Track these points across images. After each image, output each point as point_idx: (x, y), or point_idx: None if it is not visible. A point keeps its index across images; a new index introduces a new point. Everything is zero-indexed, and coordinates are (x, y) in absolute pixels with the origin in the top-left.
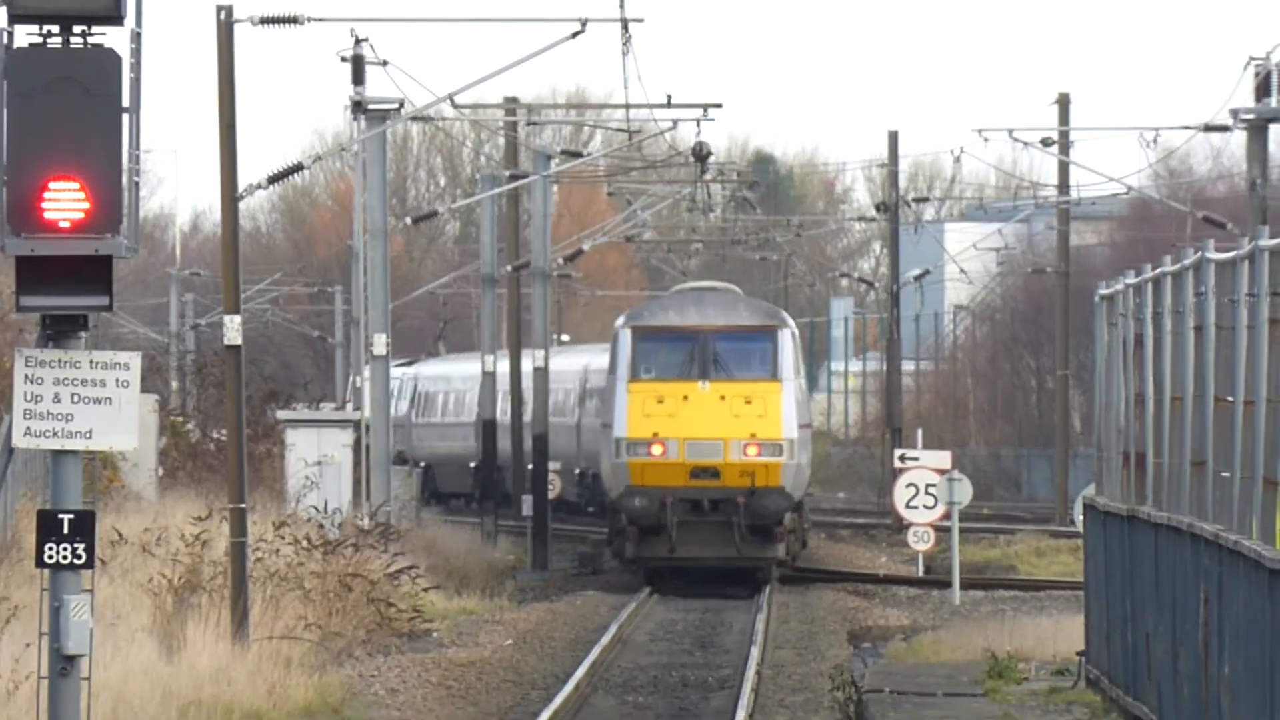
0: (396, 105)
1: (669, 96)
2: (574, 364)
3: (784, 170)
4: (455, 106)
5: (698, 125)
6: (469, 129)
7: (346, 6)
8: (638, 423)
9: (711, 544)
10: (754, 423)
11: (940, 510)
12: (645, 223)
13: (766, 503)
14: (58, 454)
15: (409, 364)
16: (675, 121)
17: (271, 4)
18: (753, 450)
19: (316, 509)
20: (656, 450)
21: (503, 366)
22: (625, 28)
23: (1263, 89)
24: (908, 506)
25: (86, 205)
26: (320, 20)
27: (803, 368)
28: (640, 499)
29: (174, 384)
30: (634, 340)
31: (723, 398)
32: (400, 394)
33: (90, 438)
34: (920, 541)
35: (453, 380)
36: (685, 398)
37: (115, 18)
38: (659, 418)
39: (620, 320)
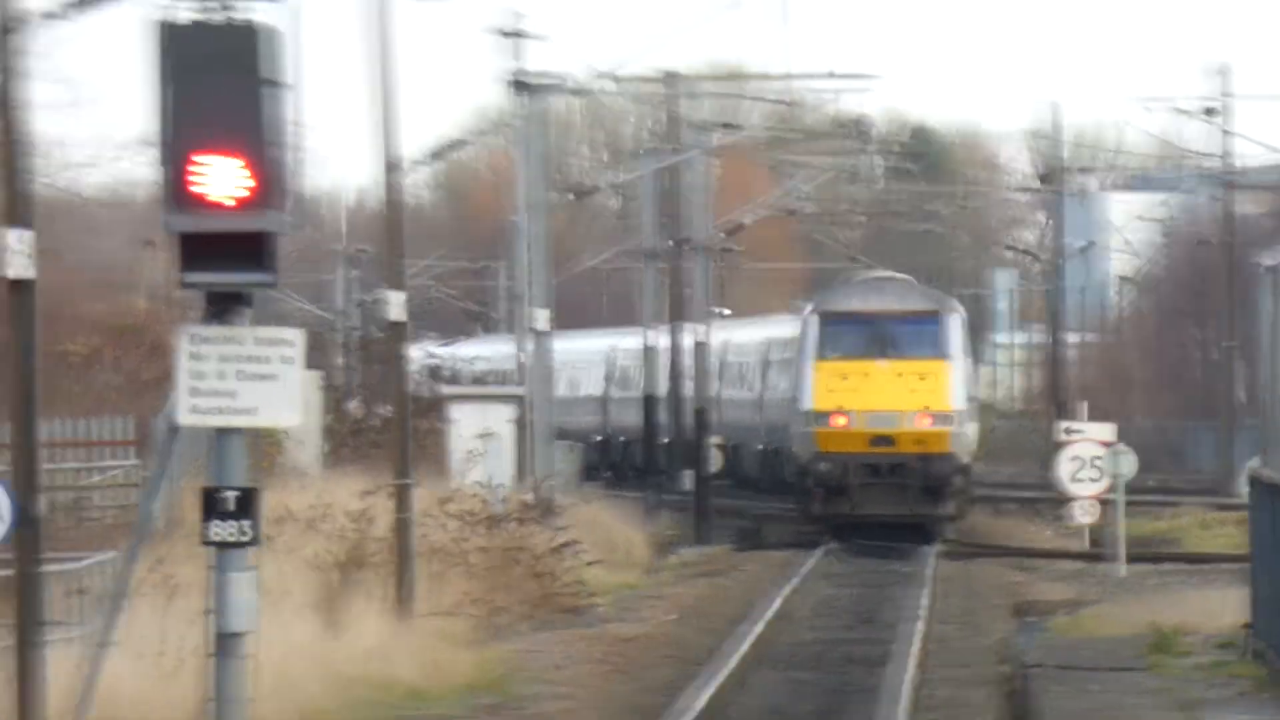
0: (557, 80)
1: (830, 70)
2: (755, 336)
3: (945, 141)
4: (617, 80)
5: (858, 97)
6: (629, 103)
7: None
8: (824, 396)
9: (888, 503)
10: (926, 396)
11: (1105, 483)
12: (806, 195)
13: (937, 466)
14: (222, 431)
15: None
16: (835, 93)
17: None
18: (925, 421)
19: (480, 484)
20: (840, 421)
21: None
22: None
23: None
24: (1073, 480)
25: (250, 181)
26: None
27: (969, 347)
28: (826, 464)
29: (339, 360)
30: (820, 324)
31: (899, 374)
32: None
33: (254, 415)
34: (1085, 515)
35: (572, 357)
36: (865, 374)
37: None
38: (842, 392)
39: (808, 307)
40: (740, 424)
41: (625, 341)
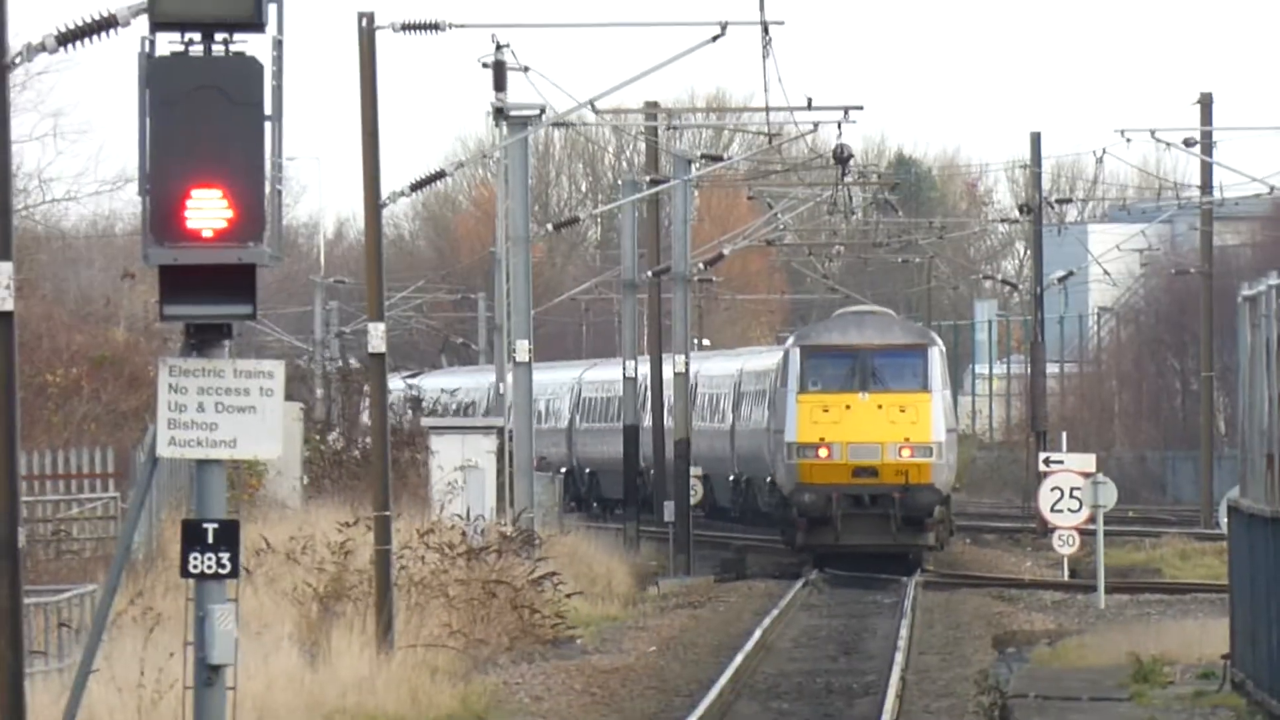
0: (538, 111)
1: (809, 99)
2: (729, 368)
3: (925, 172)
4: (596, 112)
5: (838, 128)
6: (610, 134)
7: (487, 12)
8: (806, 429)
9: (871, 533)
10: (907, 428)
11: (1085, 514)
12: (786, 226)
13: (919, 497)
14: (202, 463)
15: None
16: (816, 124)
17: (413, 10)
18: (906, 452)
19: (460, 516)
20: (823, 453)
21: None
22: (765, 30)
23: None
24: (1052, 510)
25: (229, 213)
26: (461, 26)
27: (948, 379)
28: (809, 495)
29: (319, 392)
30: (803, 357)
31: (880, 407)
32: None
33: (234, 446)
34: (1065, 545)
35: (547, 388)
36: (847, 407)
37: (257, 25)
38: (825, 424)
39: (790, 340)
40: (713, 455)
41: (592, 373)
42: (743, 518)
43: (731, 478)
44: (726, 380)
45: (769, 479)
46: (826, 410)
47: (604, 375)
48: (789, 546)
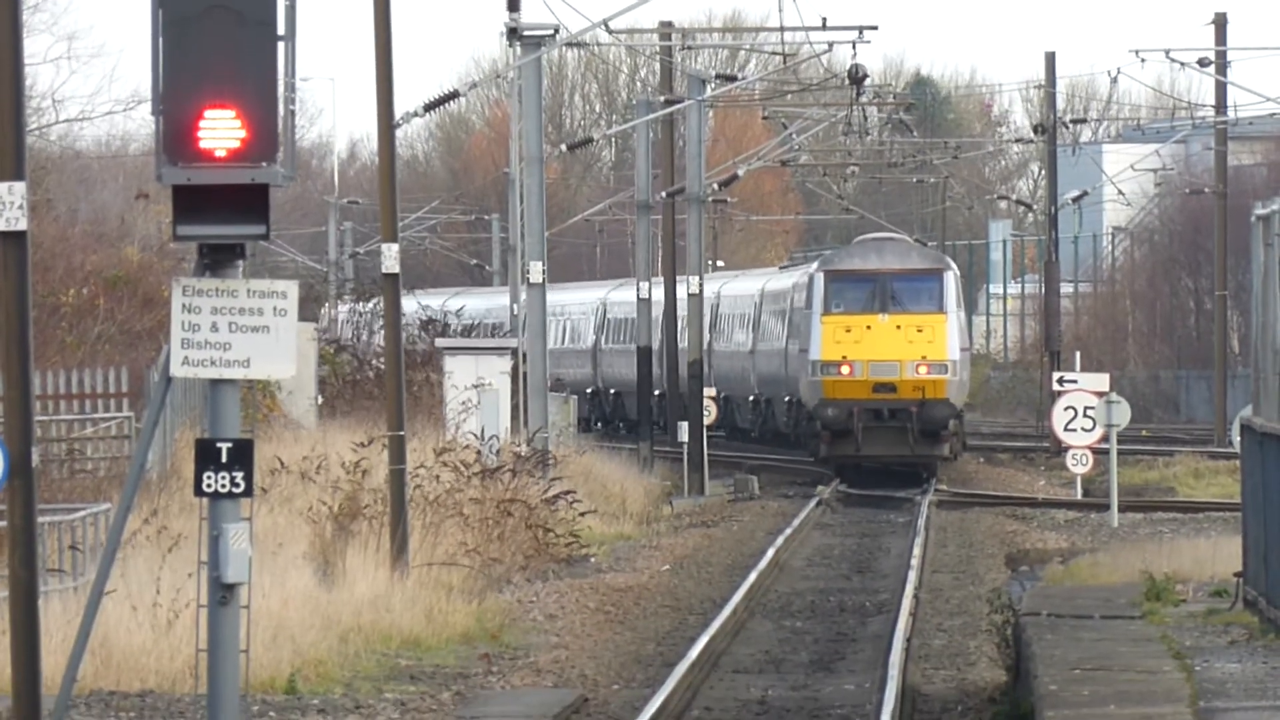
0: (552, 31)
1: (824, 19)
2: (749, 288)
3: (940, 93)
4: (610, 32)
5: (853, 48)
6: (624, 55)
7: None
8: (830, 348)
9: (889, 444)
10: (924, 347)
11: (1098, 433)
12: (801, 147)
13: (935, 411)
14: (215, 383)
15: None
16: (831, 44)
17: None
18: (923, 369)
19: (475, 435)
20: (845, 370)
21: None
22: None
23: None
24: (1066, 429)
25: (243, 133)
26: None
27: (962, 302)
28: (832, 409)
29: (333, 312)
30: (826, 281)
31: (898, 327)
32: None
33: (248, 366)
34: (1078, 464)
35: (564, 309)
36: (868, 327)
37: None
38: (847, 344)
39: (814, 266)
40: (733, 375)
41: (616, 294)
42: (762, 438)
43: (751, 398)
44: (747, 300)
45: (788, 399)
46: (849, 330)
47: (628, 296)
48: (813, 458)
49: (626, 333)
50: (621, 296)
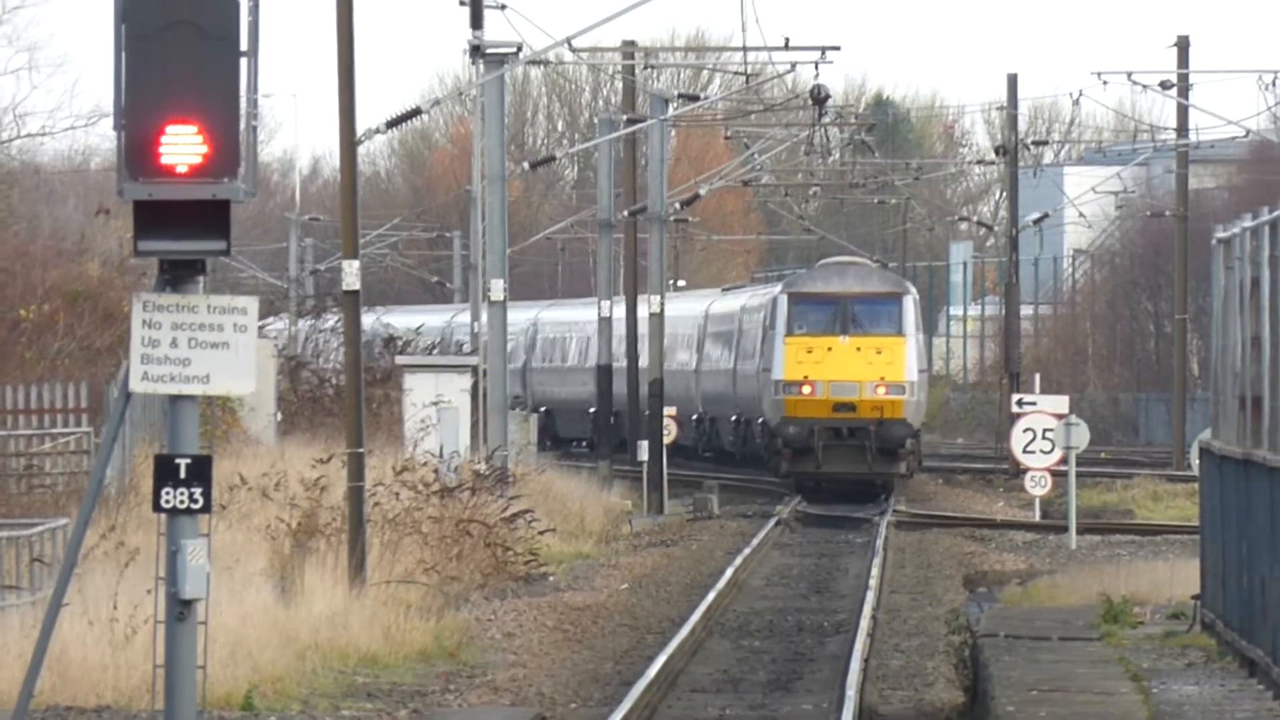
0: (515, 49)
1: (786, 39)
2: (693, 310)
3: (902, 113)
4: (573, 50)
5: (816, 68)
6: (587, 73)
7: None
8: (792, 368)
9: (849, 461)
10: (883, 369)
11: (1057, 455)
12: (763, 167)
13: (892, 430)
14: (175, 399)
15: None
16: (793, 64)
17: None
18: (882, 390)
19: (433, 454)
20: (806, 390)
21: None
22: None
23: None
24: (1025, 451)
25: (204, 149)
26: None
27: (921, 324)
28: (794, 427)
29: (293, 328)
30: (789, 303)
31: (859, 349)
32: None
33: (207, 382)
34: (1037, 486)
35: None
36: (829, 349)
37: None
38: (809, 364)
39: (778, 288)
40: (677, 394)
41: (548, 313)
42: (704, 456)
43: (695, 416)
44: (691, 321)
45: (734, 417)
46: (810, 351)
47: (561, 316)
48: (775, 474)
49: (559, 352)
50: (553, 316)
